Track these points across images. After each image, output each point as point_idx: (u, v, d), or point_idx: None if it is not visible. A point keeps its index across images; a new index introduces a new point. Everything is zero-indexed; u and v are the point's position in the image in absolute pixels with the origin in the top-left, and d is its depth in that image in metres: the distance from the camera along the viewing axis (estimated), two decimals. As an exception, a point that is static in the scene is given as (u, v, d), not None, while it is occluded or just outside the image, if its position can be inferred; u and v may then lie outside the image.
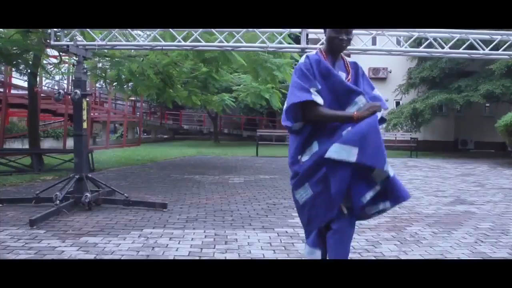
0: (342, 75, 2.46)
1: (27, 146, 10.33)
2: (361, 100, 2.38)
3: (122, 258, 3.24)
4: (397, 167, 10.69)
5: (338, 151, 2.25)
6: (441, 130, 18.19)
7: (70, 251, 3.37)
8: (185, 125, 27.82)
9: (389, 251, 3.58)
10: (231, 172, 9.11)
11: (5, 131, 12.30)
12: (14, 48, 6.95)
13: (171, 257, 3.30)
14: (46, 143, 15.42)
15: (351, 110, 2.35)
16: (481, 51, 4.82)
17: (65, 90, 4.86)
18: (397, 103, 18.51)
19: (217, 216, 4.83)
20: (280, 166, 10.76)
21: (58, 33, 4.97)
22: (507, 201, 6.07)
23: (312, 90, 2.32)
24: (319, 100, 2.30)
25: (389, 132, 15.84)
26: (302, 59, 2.45)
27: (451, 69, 15.10)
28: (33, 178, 7.71)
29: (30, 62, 7.48)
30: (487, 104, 14.92)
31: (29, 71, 7.50)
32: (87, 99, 4.98)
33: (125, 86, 8.83)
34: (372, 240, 3.89)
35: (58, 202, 4.56)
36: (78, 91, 4.69)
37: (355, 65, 2.55)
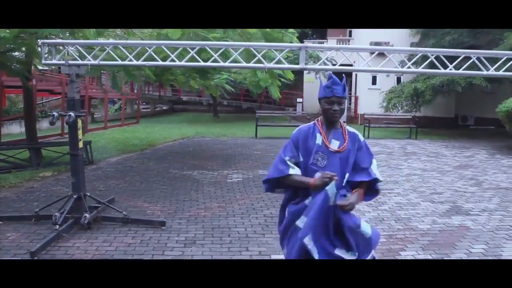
0: (336, 143, 2.65)
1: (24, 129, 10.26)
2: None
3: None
4: (396, 156, 10.71)
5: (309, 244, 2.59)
6: (442, 107, 18.10)
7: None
8: (184, 96, 27.64)
9: None
10: (229, 165, 9.14)
11: (3, 114, 12.26)
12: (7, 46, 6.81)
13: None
14: (44, 124, 15.40)
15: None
16: (485, 72, 4.73)
17: (59, 113, 4.77)
18: (398, 79, 18.32)
19: (215, 236, 4.90)
20: (278, 152, 10.78)
21: (50, 49, 4.86)
22: (502, 208, 6.14)
23: (289, 163, 2.67)
24: (294, 172, 2.64)
25: (389, 112, 15.78)
26: (294, 132, 2.77)
27: (455, 47, 14.80)
28: (32, 175, 7.76)
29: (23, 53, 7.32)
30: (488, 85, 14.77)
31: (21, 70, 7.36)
32: (82, 118, 4.92)
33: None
34: (366, 272, 3.97)
35: (57, 226, 4.61)
36: (72, 114, 4.64)
37: (354, 136, 2.71)
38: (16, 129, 14.04)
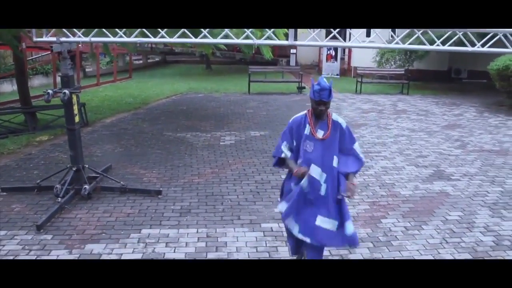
0: (321, 132, 3.24)
1: (16, 87, 10.26)
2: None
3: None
4: (386, 114, 10.92)
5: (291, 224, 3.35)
6: (435, 60, 18.03)
7: (76, 266, 3.76)
8: (177, 48, 27.14)
9: (361, 256, 4.02)
10: (222, 126, 9.32)
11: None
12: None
13: (167, 272, 3.71)
14: (36, 81, 15.30)
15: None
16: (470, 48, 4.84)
17: (54, 90, 4.86)
18: (392, 35, 18.10)
19: (209, 204, 5.20)
20: (270, 110, 10.96)
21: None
22: (482, 172, 6.46)
23: (284, 148, 3.35)
24: (285, 156, 3.34)
25: (382, 67, 15.77)
26: (290, 120, 3.38)
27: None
28: (29, 140, 7.93)
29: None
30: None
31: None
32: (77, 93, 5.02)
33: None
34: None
35: (59, 198, 4.87)
36: (66, 91, 4.75)
37: (336, 125, 3.28)
38: (8, 88, 13.95)
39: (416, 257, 4.02)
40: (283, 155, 3.35)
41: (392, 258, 3.96)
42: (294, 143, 3.31)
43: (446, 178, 6.18)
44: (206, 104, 12.30)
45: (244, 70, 16.75)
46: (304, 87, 14.93)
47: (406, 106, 12.31)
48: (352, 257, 4.02)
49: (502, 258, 4.01)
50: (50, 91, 4.69)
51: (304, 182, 3.19)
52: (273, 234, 4.45)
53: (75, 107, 5.04)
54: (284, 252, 4.08)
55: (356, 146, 3.33)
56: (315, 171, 3.20)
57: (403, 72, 15.40)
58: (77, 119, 5.12)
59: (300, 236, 3.26)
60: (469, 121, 10.29)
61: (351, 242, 3.32)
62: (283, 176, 6.11)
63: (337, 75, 20.03)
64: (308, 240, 3.24)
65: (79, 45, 16.58)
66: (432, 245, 4.24)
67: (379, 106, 12.16)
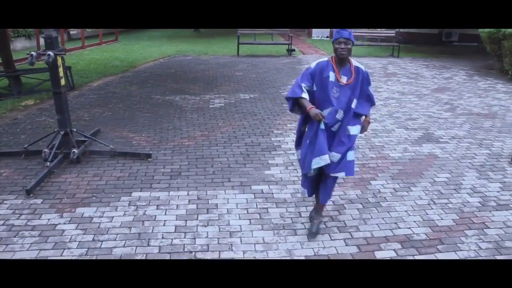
0: (344, 78, 3.43)
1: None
2: (328, 110, 3.46)
3: (116, 250, 3.67)
4: (376, 77, 10.86)
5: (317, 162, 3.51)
6: (426, 22, 17.84)
7: (69, 229, 3.77)
8: (163, 8, 26.38)
9: (351, 219, 4.08)
10: (211, 89, 9.21)
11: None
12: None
13: (160, 234, 3.74)
14: (18, 44, 14.79)
15: (324, 110, 3.45)
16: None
17: (38, 52, 4.70)
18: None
19: (199, 167, 5.20)
20: (260, 73, 10.83)
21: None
22: (471, 135, 6.53)
23: (304, 88, 3.43)
24: (305, 96, 3.42)
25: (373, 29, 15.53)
26: (313, 65, 3.47)
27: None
28: (14, 105, 7.77)
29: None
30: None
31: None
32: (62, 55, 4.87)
33: None
34: (338, 202, 4.37)
35: (48, 163, 4.81)
36: (51, 53, 4.59)
37: (358, 70, 3.47)
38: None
39: (404, 218, 4.10)
40: (303, 94, 3.41)
41: (385, 237, 4.00)
42: (314, 88, 3.44)
43: (435, 141, 6.23)
44: (195, 67, 12.09)
45: (233, 33, 16.43)
46: (294, 50, 14.72)
47: (396, 69, 12.24)
48: (341, 218, 4.08)
49: (487, 220, 4.11)
50: (33, 53, 4.53)
51: (323, 125, 3.41)
52: (263, 196, 4.48)
53: (61, 70, 4.90)
54: (274, 214, 4.12)
55: (371, 88, 3.61)
56: (340, 114, 3.45)
57: (393, 34, 15.22)
58: (62, 82, 4.99)
59: (322, 162, 3.46)
60: (459, 84, 10.30)
61: (347, 170, 3.57)
62: (273, 139, 6.18)
63: (327, 37, 19.75)
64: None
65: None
66: (420, 206, 4.32)
67: (369, 69, 12.02)
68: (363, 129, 3.66)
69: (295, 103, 3.53)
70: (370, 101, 3.65)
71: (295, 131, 6.33)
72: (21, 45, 14.91)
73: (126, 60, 12.80)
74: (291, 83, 9.87)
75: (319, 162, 3.45)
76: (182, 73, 11.17)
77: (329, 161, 3.45)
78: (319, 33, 19.60)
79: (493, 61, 12.41)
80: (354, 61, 3.47)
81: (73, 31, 18.42)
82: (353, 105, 3.48)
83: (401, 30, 15.78)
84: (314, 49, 16.53)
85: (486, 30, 11.30)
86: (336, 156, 3.50)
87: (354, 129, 3.53)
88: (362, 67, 3.49)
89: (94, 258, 3.39)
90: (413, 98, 8.76)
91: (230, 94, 8.78)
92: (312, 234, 3.74)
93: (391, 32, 15.28)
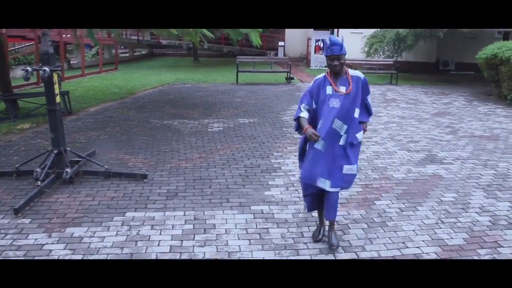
0: (343, 88, 3.40)
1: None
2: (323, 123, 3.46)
3: (107, 258, 3.45)
4: (376, 103, 10.80)
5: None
6: (423, 52, 18.06)
7: (57, 249, 3.55)
8: (163, 40, 26.80)
9: (356, 238, 3.87)
10: (210, 114, 9.12)
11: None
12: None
13: (153, 255, 3.52)
14: (18, 72, 14.84)
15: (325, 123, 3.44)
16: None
17: (33, 67, 4.62)
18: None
19: (196, 187, 5.01)
20: (259, 99, 10.77)
21: None
22: (475, 156, 6.38)
23: (303, 108, 3.50)
24: (303, 115, 3.48)
25: (370, 57, 15.69)
26: (311, 83, 3.56)
27: None
28: (10, 128, 7.64)
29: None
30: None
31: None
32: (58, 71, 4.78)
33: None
34: (342, 222, 4.17)
35: (39, 182, 4.63)
36: (46, 69, 4.51)
37: (357, 79, 3.44)
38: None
39: (412, 237, 3.89)
40: (301, 114, 3.47)
41: (393, 257, 3.79)
42: (314, 105, 3.48)
43: (439, 162, 6.07)
44: (194, 93, 12.07)
45: (232, 63, 16.58)
46: (292, 78, 14.78)
47: (395, 95, 12.23)
48: (346, 237, 3.87)
49: (499, 238, 3.90)
50: (29, 68, 4.45)
51: (318, 144, 3.43)
52: (263, 216, 4.28)
53: (56, 87, 4.80)
54: (275, 234, 3.92)
55: (369, 97, 3.59)
56: (337, 124, 3.40)
57: (391, 62, 15.34)
58: (58, 99, 4.88)
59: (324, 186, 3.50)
60: (459, 109, 10.24)
61: (344, 184, 3.57)
62: (273, 161, 6.01)
63: (325, 66, 19.95)
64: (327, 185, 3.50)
65: (64, 35, 16.22)
66: (428, 226, 4.12)
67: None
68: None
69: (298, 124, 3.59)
70: (368, 111, 3.64)
71: (296, 154, 6.24)
72: (21, 73, 14.94)
73: (125, 87, 12.79)
74: (290, 109, 9.81)
75: (324, 182, 3.51)
76: (181, 99, 11.12)
77: (327, 187, 3.51)
78: (317, 63, 19.79)
79: (491, 87, 12.42)
80: (351, 71, 3.47)
81: (73, 61, 18.58)
82: (356, 115, 3.45)
83: (399, 59, 15.91)
84: (313, 77, 16.57)
85: (483, 56, 11.36)
86: (348, 168, 3.54)
87: (360, 135, 3.55)
88: (359, 75, 3.49)
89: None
90: (414, 122, 8.67)
91: (229, 119, 8.68)
92: (334, 246, 3.63)
93: (389, 60, 15.40)
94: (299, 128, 3.59)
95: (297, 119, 3.54)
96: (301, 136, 3.72)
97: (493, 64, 11.21)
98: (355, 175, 3.61)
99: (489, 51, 11.16)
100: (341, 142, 3.45)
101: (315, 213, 4.32)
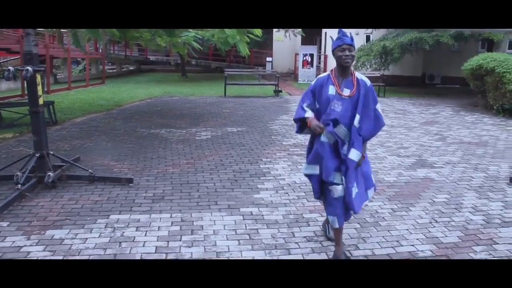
0: (347, 90, 3.12)
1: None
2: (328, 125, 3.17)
3: (90, 258, 3.28)
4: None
5: (306, 168, 3.38)
6: (409, 65, 18.26)
7: (36, 252, 3.37)
8: (151, 56, 26.78)
9: (349, 237, 3.75)
10: (198, 123, 9.01)
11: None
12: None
13: (138, 255, 3.36)
14: (3, 85, 14.63)
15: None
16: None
17: (15, 67, 4.49)
18: (368, 38, 18.28)
19: (184, 191, 4.86)
20: (248, 110, 10.71)
21: None
22: (465, 160, 6.35)
23: (306, 108, 3.25)
24: (308, 114, 3.24)
25: (358, 70, 15.79)
26: (313, 81, 3.30)
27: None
28: (-8, 137, 7.42)
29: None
30: (455, 43, 14.89)
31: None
32: (41, 72, 4.64)
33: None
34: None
35: (20, 186, 4.44)
36: (29, 68, 4.38)
37: (363, 83, 3.14)
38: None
39: (406, 236, 3.79)
40: (306, 114, 3.24)
41: (387, 254, 3.67)
42: (317, 105, 3.22)
43: (429, 166, 6.02)
44: (182, 105, 11.97)
45: (220, 78, 16.57)
46: (281, 91, 14.79)
47: (383, 106, 12.26)
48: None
49: (495, 236, 3.82)
50: (11, 68, 4.34)
51: (324, 137, 3.16)
52: (253, 218, 4.15)
53: (39, 88, 4.66)
54: (265, 234, 3.79)
55: (378, 106, 3.22)
56: (340, 130, 3.13)
57: (379, 75, 15.46)
58: (41, 101, 4.73)
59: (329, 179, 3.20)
60: (446, 118, 10.29)
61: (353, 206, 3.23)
62: (262, 166, 5.90)
63: (311, 81, 20.05)
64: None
65: (50, 48, 16.05)
66: (422, 225, 4.02)
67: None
68: (357, 163, 3.15)
69: (302, 124, 3.35)
70: (378, 121, 3.21)
71: (284, 159, 6.15)
72: (6, 86, 14.73)
73: (112, 100, 12.64)
74: (279, 119, 9.75)
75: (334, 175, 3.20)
76: (168, 110, 11.01)
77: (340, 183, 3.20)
78: (305, 77, 19.89)
79: (477, 98, 12.55)
80: (357, 73, 3.18)
81: (60, 75, 18.39)
82: (356, 122, 3.08)
83: (386, 72, 16.06)
84: (301, 91, 16.64)
85: (469, 67, 11.51)
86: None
87: (353, 153, 3.11)
88: (366, 80, 3.17)
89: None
90: (403, 130, 8.66)
91: (217, 128, 8.58)
92: (332, 239, 3.61)
93: (376, 73, 15.52)
94: (300, 128, 3.36)
95: (299, 119, 3.29)
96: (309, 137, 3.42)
97: (478, 74, 11.35)
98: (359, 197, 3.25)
99: (475, 62, 11.30)
100: (344, 151, 3.14)
101: (306, 214, 4.22)
